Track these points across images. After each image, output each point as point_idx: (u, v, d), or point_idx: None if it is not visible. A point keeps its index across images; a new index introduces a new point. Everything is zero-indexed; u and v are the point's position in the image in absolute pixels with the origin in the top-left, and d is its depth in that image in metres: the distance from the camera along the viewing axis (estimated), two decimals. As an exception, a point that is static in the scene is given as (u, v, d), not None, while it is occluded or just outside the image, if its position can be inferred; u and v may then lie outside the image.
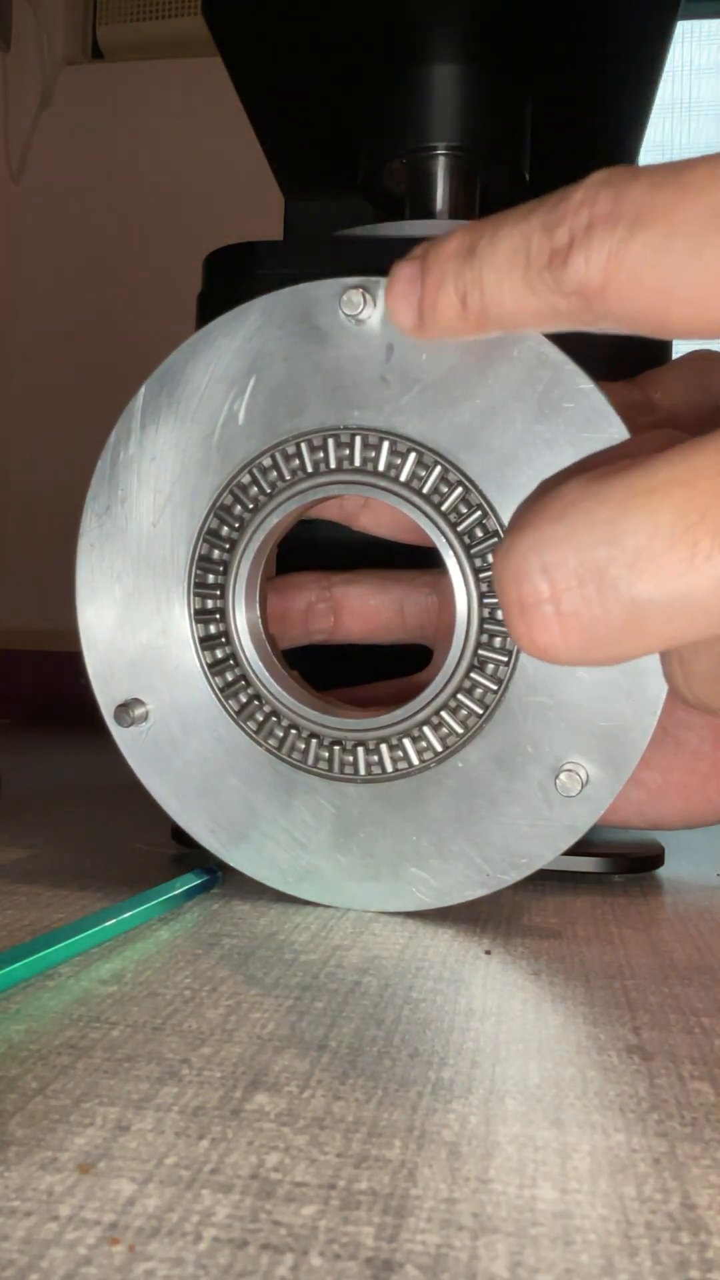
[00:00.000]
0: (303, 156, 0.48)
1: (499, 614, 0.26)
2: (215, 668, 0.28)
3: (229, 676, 0.28)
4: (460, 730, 0.27)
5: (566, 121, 0.44)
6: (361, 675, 0.33)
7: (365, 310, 0.26)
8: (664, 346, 0.38)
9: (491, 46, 0.39)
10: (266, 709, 0.28)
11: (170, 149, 1.19)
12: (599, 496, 0.17)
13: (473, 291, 0.21)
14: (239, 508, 0.28)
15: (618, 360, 0.35)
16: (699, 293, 0.17)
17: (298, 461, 0.27)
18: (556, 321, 0.20)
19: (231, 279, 0.38)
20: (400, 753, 0.27)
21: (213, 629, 0.28)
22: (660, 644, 0.17)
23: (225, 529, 0.28)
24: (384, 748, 0.27)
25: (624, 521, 0.16)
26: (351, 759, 0.28)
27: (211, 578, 0.28)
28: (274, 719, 0.28)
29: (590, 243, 0.18)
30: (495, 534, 0.26)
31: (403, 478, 0.26)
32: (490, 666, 0.26)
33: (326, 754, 0.28)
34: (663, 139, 1.14)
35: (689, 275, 0.17)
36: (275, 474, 0.27)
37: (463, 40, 0.39)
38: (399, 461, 0.26)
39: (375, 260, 0.35)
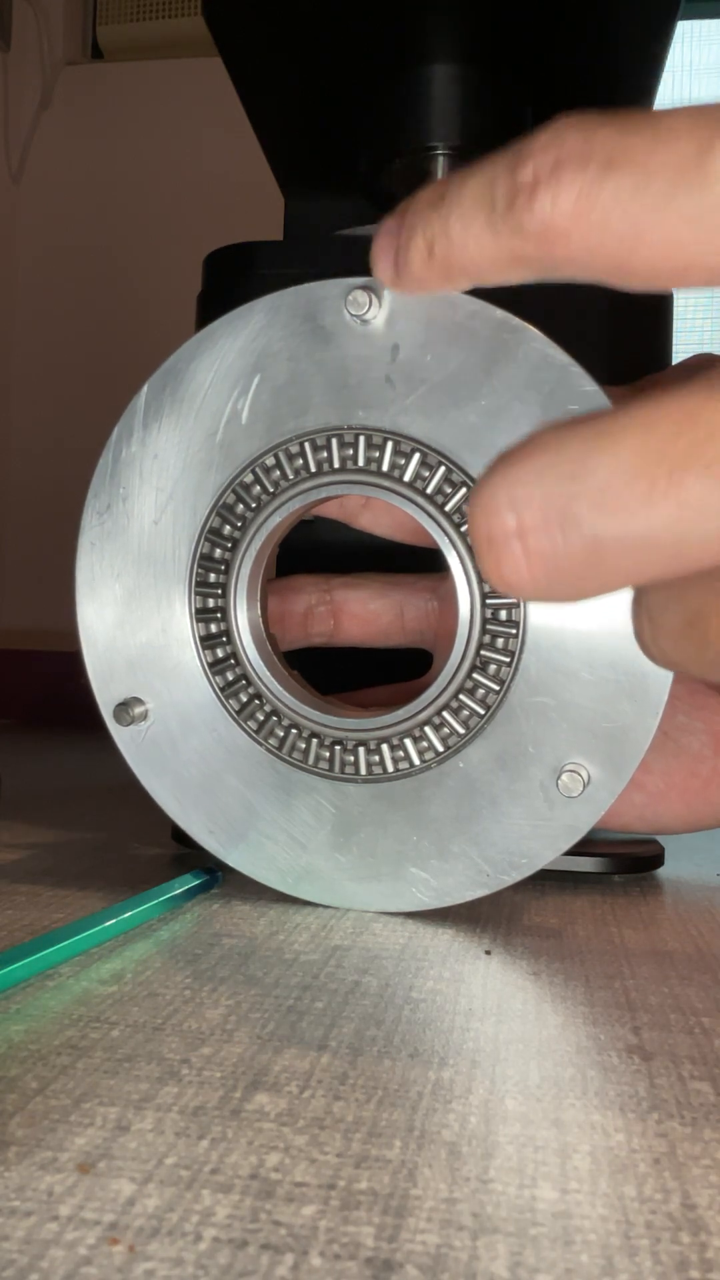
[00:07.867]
0: (303, 156, 0.48)
1: (502, 614, 0.26)
2: (216, 667, 0.28)
3: (229, 676, 0.28)
4: (462, 730, 0.27)
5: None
6: (360, 679, 0.33)
7: (370, 310, 0.26)
8: (665, 350, 0.38)
9: (491, 46, 0.39)
10: (267, 708, 0.28)
11: (170, 149, 1.19)
12: (568, 437, 0.17)
13: (439, 239, 0.21)
14: (241, 506, 0.28)
15: (620, 364, 0.35)
16: (668, 238, 0.17)
17: (301, 461, 0.27)
18: (518, 269, 0.20)
19: (232, 279, 0.38)
20: (401, 753, 0.27)
21: (213, 628, 0.28)
22: (619, 581, 0.17)
23: (227, 528, 0.28)
24: (385, 747, 0.27)
25: (588, 459, 0.17)
26: (352, 759, 0.28)
27: (213, 576, 0.28)
28: (274, 718, 0.28)
29: (558, 181, 0.18)
30: None
31: (406, 478, 0.26)
32: (492, 667, 0.26)
33: (327, 754, 0.28)
34: (663, 139, 1.14)
35: (660, 220, 0.17)
36: (278, 473, 0.27)
37: (462, 40, 0.39)
38: (403, 462, 0.26)
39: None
